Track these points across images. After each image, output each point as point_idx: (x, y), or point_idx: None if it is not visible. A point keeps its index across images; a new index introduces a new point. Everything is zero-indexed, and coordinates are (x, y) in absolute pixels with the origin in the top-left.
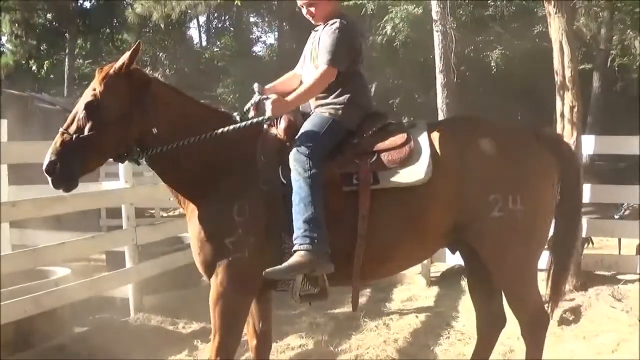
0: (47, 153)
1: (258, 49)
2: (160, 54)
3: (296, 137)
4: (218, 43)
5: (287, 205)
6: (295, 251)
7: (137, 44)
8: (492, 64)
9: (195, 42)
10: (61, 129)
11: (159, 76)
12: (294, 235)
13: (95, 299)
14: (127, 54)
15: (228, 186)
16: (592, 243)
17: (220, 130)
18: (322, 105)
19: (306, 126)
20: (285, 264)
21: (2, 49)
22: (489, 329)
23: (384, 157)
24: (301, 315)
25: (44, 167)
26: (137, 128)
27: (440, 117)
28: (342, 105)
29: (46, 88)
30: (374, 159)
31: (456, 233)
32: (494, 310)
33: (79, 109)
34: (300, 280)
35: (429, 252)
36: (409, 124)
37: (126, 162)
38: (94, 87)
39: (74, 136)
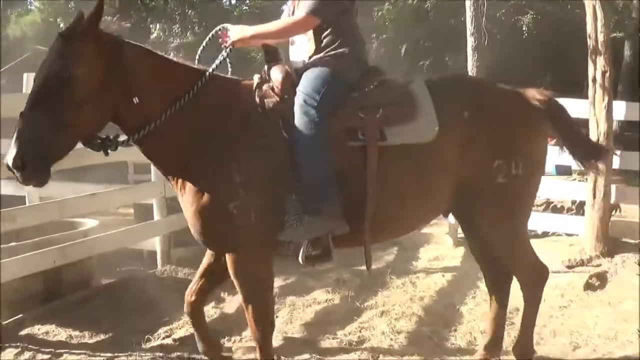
0: (10, 144)
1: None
2: (189, 12)
3: (297, 89)
4: (247, 1)
5: (291, 160)
6: (310, 212)
7: (99, 1)
8: (524, 29)
9: (224, 0)
10: (22, 112)
11: (186, 35)
12: (306, 195)
13: (123, 251)
14: (91, 13)
15: (222, 147)
16: (620, 210)
17: (194, 88)
18: (320, 58)
19: (307, 78)
20: (302, 226)
21: (30, 7)
22: (497, 286)
23: (390, 112)
24: (328, 271)
25: (9, 161)
26: (114, 100)
27: None
28: (341, 58)
29: None
30: (379, 113)
31: (458, 197)
32: (498, 268)
33: (40, 85)
34: (305, 243)
35: (433, 215)
36: (407, 80)
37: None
38: (58, 58)
39: (41, 119)
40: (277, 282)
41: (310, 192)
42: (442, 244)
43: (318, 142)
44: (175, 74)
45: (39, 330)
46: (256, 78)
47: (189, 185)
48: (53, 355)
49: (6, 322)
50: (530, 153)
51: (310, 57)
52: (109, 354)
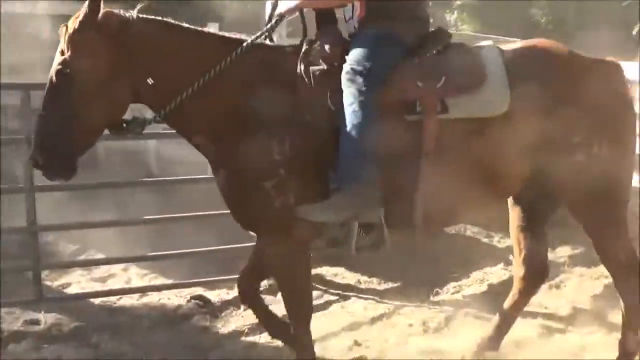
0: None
1: None
2: None
3: (347, 56)
4: None
5: (338, 138)
6: (337, 189)
7: None
8: None
9: None
10: (40, 113)
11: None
12: (339, 170)
13: None
14: (88, 2)
15: (262, 121)
16: None
17: (226, 60)
18: (373, 20)
19: (358, 42)
20: (320, 204)
21: None
22: (529, 280)
23: (454, 80)
24: None
25: (31, 161)
26: (128, 85)
27: None
28: (397, 18)
29: None
30: (441, 82)
31: (533, 179)
32: (538, 261)
33: (48, 84)
34: (355, 229)
35: (501, 199)
36: (478, 46)
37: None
38: (62, 51)
39: (53, 118)
40: (566, 252)
41: (345, 168)
42: None
43: (364, 114)
44: (204, 45)
45: (327, 271)
46: (305, 44)
47: (224, 161)
48: (341, 297)
49: None
50: (620, 131)
51: (362, 20)
52: (397, 302)
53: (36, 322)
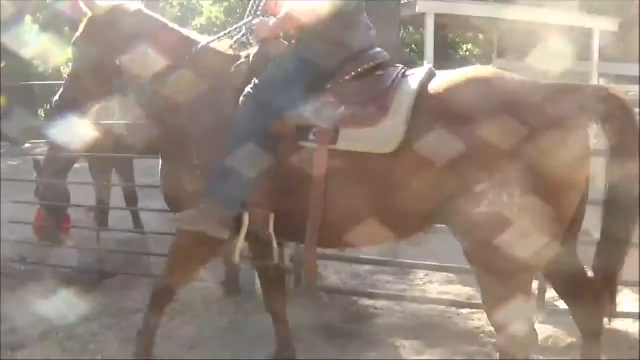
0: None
1: None
2: None
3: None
4: None
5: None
6: (204, 199)
7: None
8: None
9: None
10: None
11: None
12: (212, 180)
13: None
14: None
15: (182, 122)
16: None
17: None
18: (293, 43)
19: (273, 61)
20: (194, 214)
21: None
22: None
23: (352, 111)
24: None
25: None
26: (112, 61)
27: None
28: (315, 43)
29: None
30: (340, 110)
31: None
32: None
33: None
34: (241, 239)
35: (405, 233)
36: (410, 70)
37: None
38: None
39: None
40: None
41: (215, 178)
42: None
43: (242, 131)
44: (166, 42)
45: None
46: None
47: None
48: None
49: None
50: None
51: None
52: None
53: None
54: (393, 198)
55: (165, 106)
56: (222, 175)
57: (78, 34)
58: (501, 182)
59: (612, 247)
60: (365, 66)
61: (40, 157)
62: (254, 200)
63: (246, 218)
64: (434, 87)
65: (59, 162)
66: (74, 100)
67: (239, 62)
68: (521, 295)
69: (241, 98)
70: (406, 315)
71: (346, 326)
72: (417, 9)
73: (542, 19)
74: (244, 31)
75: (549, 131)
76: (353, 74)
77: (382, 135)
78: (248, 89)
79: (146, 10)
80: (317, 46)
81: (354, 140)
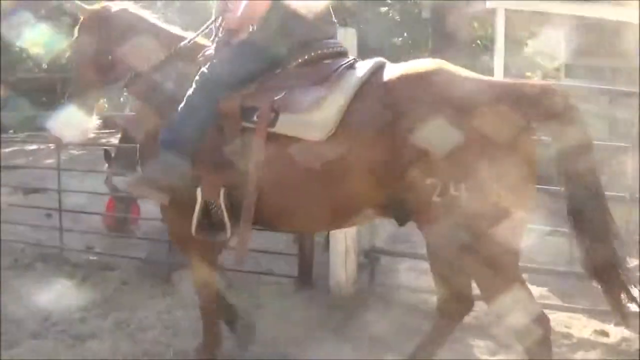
0: None
1: None
2: None
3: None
4: None
5: None
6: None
7: None
8: None
9: None
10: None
11: None
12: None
13: None
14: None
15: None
16: None
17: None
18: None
19: (231, 45)
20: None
21: None
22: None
23: (293, 95)
24: None
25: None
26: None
27: None
28: (265, 32)
29: None
30: (281, 95)
31: (395, 208)
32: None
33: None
34: (196, 212)
35: (350, 220)
36: (357, 60)
37: None
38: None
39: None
40: None
41: (160, 145)
42: None
43: (190, 105)
44: (155, 39)
45: None
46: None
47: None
48: None
49: None
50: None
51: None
52: None
53: (605, 334)
54: (326, 185)
55: (150, 91)
56: (166, 143)
57: (74, 37)
58: (443, 177)
59: (595, 244)
60: (312, 54)
61: (110, 148)
62: (205, 173)
63: (199, 192)
64: (377, 79)
65: (129, 152)
66: (81, 95)
67: (205, 49)
68: (513, 281)
69: (196, 76)
70: (479, 314)
71: (420, 322)
72: (487, 5)
73: (626, 17)
74: (218, 23)
75: (484, 128)
76: (299, 60)
77: (315, 123)
78: (204, 68)
79: (132, 9)
80: (269, 34)
81: (290, 124)
